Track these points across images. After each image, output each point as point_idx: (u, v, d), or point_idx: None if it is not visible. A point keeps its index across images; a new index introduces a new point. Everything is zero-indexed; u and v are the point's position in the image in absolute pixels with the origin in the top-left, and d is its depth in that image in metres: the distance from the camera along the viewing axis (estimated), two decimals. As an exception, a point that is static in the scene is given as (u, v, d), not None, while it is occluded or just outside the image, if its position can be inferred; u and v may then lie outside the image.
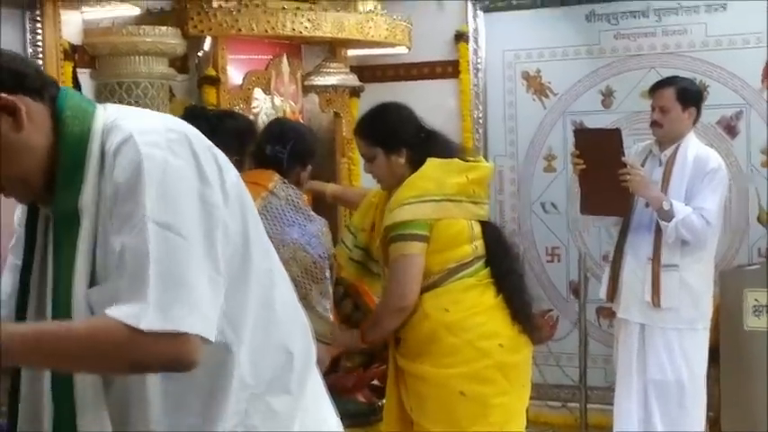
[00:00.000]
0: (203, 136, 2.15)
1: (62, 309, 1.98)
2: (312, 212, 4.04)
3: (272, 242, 3.75)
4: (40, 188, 2.06)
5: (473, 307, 4.05)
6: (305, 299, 3.82)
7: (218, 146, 4.43)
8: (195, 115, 4.54)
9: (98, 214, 1.99)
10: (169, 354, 1.87)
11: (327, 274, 3.95)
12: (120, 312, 1.84)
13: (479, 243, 4.12)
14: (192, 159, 2.04)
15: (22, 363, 1.99)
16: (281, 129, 4.16)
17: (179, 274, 1.88)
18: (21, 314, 2.11)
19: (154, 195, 1.92)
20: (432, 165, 4.06)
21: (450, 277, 4.06)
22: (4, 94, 1.99)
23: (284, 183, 3.98)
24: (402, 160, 4.11)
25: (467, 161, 4.19)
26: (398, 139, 4.14)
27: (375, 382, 4.48)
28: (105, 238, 1.96)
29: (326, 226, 4.25)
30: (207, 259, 1.94)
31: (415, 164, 4.09)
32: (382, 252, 4.13)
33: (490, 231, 4.20)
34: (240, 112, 5.96)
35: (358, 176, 6.80)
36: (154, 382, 2.00)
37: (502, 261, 4.16)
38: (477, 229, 4.13)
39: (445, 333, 4.01)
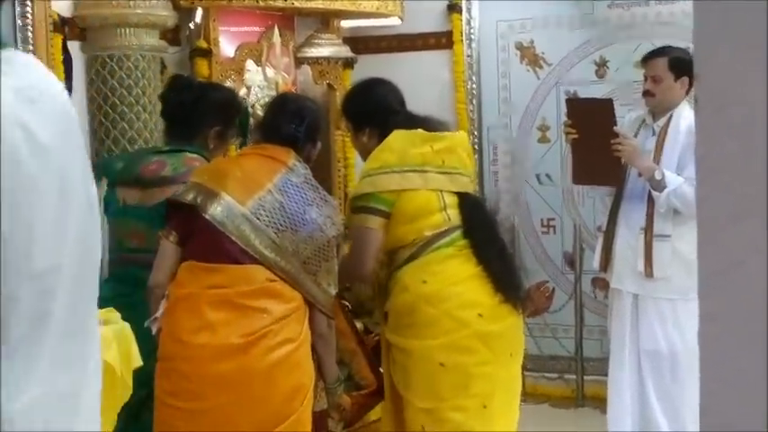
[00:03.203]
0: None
1: None
2: (326, 193, 4.11)
3: (291, 222, 3.85)
4: None
5: (451, 277, 4.07)
6: (314, 275, 3.89)
7: (200, 116, 4.42)
8: (179, 85, 4.60)
9: None
10: None
11: (335, 252, 3.99)
12: None
13: (453, 212, 4.13)
14: None
15: None
16: (297, 106, 4.17)
17: None
18: None
19: None
20: (394, 136, 4.15)
21: (428, 248, 4.09)
22: None
23: (299, 160, 4.01)
24: (366, 138, 4.29)
25: (430, 130, 4.23)
26: (362, 118, 4.33)
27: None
28: None
29: (338, 207, 4.32)
30: None
31: (384, 138, 4.19)
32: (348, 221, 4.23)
33: (467, 202, 4.21)
34: (233, 84, 6.01)
35: (352, 148, 6.83)
36: None
37: (479, 231, 4.16)
38: (451, 198, 4.15)
39: (424, 304, 4.04)
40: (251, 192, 3.83)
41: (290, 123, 4.05)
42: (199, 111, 4.38)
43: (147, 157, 4.48)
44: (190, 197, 3.83)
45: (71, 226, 2.07)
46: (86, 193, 2.16)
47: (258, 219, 3.79)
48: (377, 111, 4.30)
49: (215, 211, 3.77)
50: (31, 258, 1.96)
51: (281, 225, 3.81)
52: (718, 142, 0.87)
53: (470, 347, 4.01)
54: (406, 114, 4.33)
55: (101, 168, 4.56)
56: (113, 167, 4.53)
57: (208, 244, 3.77)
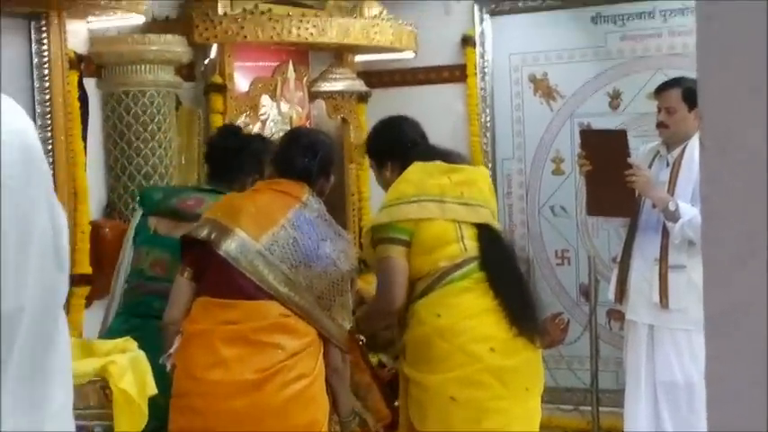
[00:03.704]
0: None
1: None
2: (340, 227, 4.13)
3: (305, 257, 3.87)
4: None
5: (465, 311, 4.06)
6: (328, 310, 3.90)
7: (242, 163, 4.50)
8: (226, 134, 4.74)
9: None
10: None
11: (349, 287, 4.00)
12: None
13: (471, 244, 4.13)
14: None
15: None
16: (309, 140, 4.18)
17: None
18: None
19: None
20: (412, 168, 4.18)
21: (443, 280, 4.09)
22: None
23: (313, 195, 4.01)
24: (388, 173, 4.31)
25: (449, 162, 4.26)
26: (383, 154, 4.38)
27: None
28: None
29: (352, 241, 4.33)
30: None
31: (403, 171, 4.24)
32: (371, 254, 4.23)
33: (485, 234, 4.20)
34: (247, 119, 6.04)
35: (366, 181, 6.84)
36: None
37: (497, 263, 4.16)
38: (469, 230, 4.15)
39: (438, 339, 4.04)
40: (265, 227, 3.84)
41: (303, 157, 4.06)
42: (241, 158, 4.47)
43: (187, 193, 4.62)
44: (204, 233, 3.84)
45: (31, 267, 2.06)
46: (52, 234, 2.16)
47: (272, 254, 3.80)
48: (396, 145, 4.32)
49: (229, 247, 3.78)
50: None
51: (294, 260, 3.82)
52: (722, 183, 0.88)
53: (483, 382, 4.00)
54: (426, 147, 4.36)
55: (140, 198, 4.81)
56: (152, 198, 4.65)
57: (222, 280, 3.78)
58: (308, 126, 6.51)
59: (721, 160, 0.88)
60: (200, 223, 3.92)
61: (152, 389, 3.62)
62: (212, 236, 3.82)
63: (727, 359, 0.85)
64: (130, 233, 4.66)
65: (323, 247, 3.90)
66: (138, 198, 5.01)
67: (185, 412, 3.73)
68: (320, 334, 3.87)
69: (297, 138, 4.27)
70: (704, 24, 0.90)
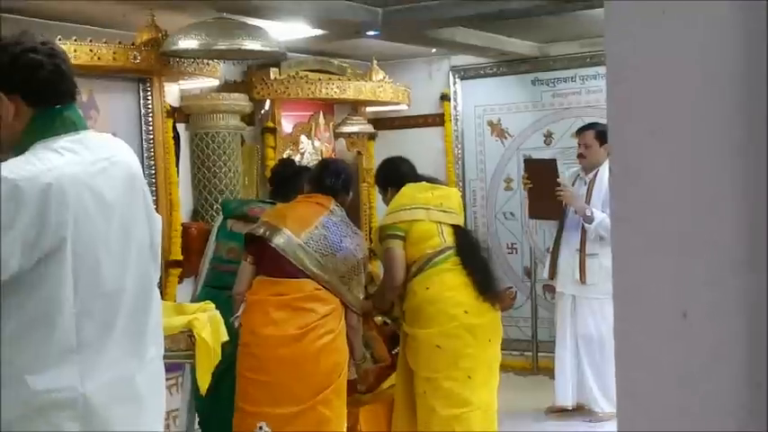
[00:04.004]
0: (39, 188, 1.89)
1: None
2: (356, 228, 4.14)
3: (332, 248, 3.87)
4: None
5: (445, 284, 4.05)
6: (348, 285, 3.90)
7: (294, 185, 4.42)
8: (284, 164, 4.78)
9: None
10: None
11: (363, 269, 4.00)
12: None
13: (448, 238, 4.12)
14: None
15: None
16: (336, 167, 4.20)
17: None
18: None
19: None
20: (406, 187, 4.21)
21: (429, 263, 4.08)
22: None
23: (337, 205, 4.01)
24: (390, 195, 4.29)
25: (432, 183, 4.32)
26: (386, 183, 4.36)
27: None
28: None
29: (364, 237, 4.33)
30: None
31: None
32: (379, 246, 4.22)
33: (459, 232, 4.20)
34: (290, 152, 6.03)
35: (374, 197, 6.84)
36: None
37: (467, 251, 4.14)
38: (447, 228, 4.14)
39: (427, 304, 4.03)
40: (303, 227, 3.84)
41: (330, 179, 4.06)
42: (293, 182, 4.46)
43: (254, 204, 4.70)
44: (261, 231, 3.84)
45: (132, 259, 2.07)
46: (149, 235, 2.15)
47: (309, 246, 3.80)
48: (393, 178, 4.32)
49: (278, 241, 3.77)
50: (99, 284, 1.99)
51: (324, 251, 3.82)
52: (626, 197, 0.87)
53: (458, 335, 3.99)
54: (414, 175, 4.35)
55: (222, 206, 4.89)
56: (229, 206, 4.73)
57: (273, 264, 3.78)
58: (334, 157, 6.51)
59: (625, 180, 0.87)
60: (258, 225, 3.92)
61: (224, 336, 3.61)
62: (267, 233, 3.81)
63: (630, 320, 0.85)
64: (214, 230, 4.67)
65: (344, 241, 3.90)
66: (220, 207, 5.04)
67: (248, 357, 3.73)
68: (342, 302, 3.86)
69: (326, 165, 4.27)
70: (613, 86, 0.90)
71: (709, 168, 0.81)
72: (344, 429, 3.81)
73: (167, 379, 2.33)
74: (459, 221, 4.26)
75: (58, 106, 2.01)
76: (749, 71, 0.80)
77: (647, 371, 0.82)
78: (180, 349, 3.41)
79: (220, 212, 4.83)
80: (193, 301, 4.42)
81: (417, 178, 4.33)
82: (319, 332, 3.71)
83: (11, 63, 1.96)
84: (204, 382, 3.49)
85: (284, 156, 5.75)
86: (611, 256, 0.87)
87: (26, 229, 1.85)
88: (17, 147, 1.97)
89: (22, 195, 1.84)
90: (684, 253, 0.82)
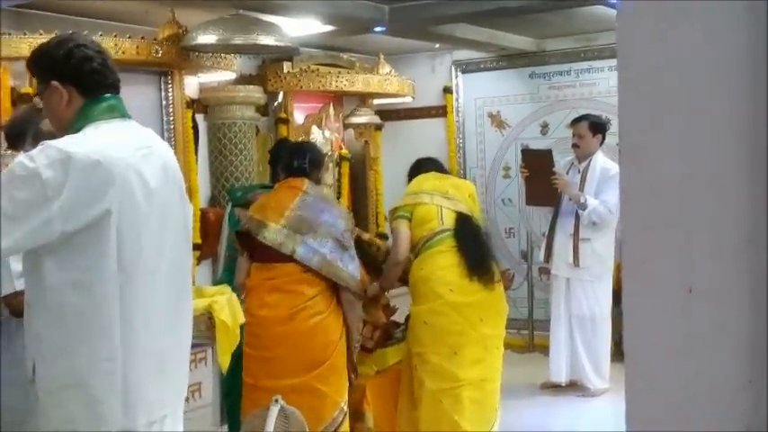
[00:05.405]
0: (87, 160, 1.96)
1: None
2: (334, 201, 4.07)
3: (310, 224, 3.77)
4: None
5: (437, 265, 4.04)
6: (340, 261, 3.77)
7: (292, 164, 4.24)
8: (282, 144, 4.60)
9: None
10: None
11: (352, 243, 3.90)
12: None
13: (447, 221, 4.10)
14: (33, 163, 1.92)
15: None
16: (301, 148, 4.10)
17: None
18: None
19: None
20: (418, 177, 4.30)
21: (426, 244, 4.09)
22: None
23: (312, 184, 3.91)
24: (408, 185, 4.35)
25: (441, 174, 4.38)
26: (408, 176, 4.41)
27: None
28: None
29: (346, 210, 4.24)
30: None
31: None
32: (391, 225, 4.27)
33: (460, 216, 4.16)
34: (302, 141, 6.00)
35: (381, 182, 6.84)
36: None
37: (463, 235, 4.11)
38: (447, 213, 4.13)
39: (419, 283, 4.07)
40: (281, 213, 3.77)
41: (298, 160, 3.94)
42: (291, 161, 4.34)
43: (256, 190, 4.51)
44: (247, 228, 3.82)
45: (168, 241, 2.10)
46: (183, 220, 2.20)
47: (288, 229, 3.75)
48: (415, 171, 4.39)
49: (264, 234, 3.74)
50: (140, 262, 2.03)
51: (303, 229, 3.75)
52: (636, 178, 0.85)
53: (443, 312, 3.98)
54: (430, 164, 4.43)
55: (228, 195, 4.78)
56: (235, 195, 4.59)
57: (263, 252, 3.76)
58: (341, 146, 6.47)
59: (633, 159, 0.86)
60: (245, 220, 3.88)
61: (242, 318, 3.60)
62: (252, 229, 3.79)
63: (639, 295, 0.83)
64: (226, 219, 4.62)
65: (321, 216, 3.78)
66: (228, 195, 4.97)
67: (249, 336, 3.75)
68: (333, 284, 3.79)
69: (293, 149, 4.12)
70: (622, 70, 0.88)
71: (715, 148, 0.79)
72: (342, 402, 3.78)
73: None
74: (464, 210, 4.21)
75: (105, 95, 2.10)
76: (755, 57, 0.79)
77: (654, 342, 0.81)
78: (200, 331, 3.40)
79: (228, 201, 4.75)
80: (215, 283, 4.41)
81: (433, 166, 4.38)
82: (309, 312, 3.71)
83: (66, 56, 2.07)
84: (225, 362, 3.49)
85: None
86: (623, 228, 0.85)
87: (71, 197, 1.91)
88: (69, 130, 2.06)
89: (73, 165, 1.91)
90: (691, 231, 0.81)
